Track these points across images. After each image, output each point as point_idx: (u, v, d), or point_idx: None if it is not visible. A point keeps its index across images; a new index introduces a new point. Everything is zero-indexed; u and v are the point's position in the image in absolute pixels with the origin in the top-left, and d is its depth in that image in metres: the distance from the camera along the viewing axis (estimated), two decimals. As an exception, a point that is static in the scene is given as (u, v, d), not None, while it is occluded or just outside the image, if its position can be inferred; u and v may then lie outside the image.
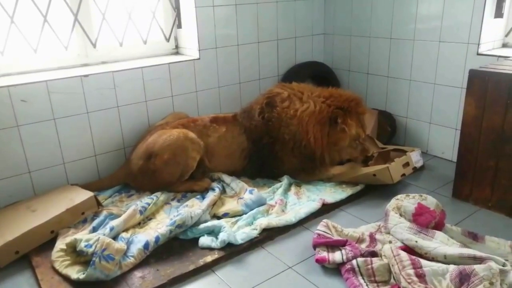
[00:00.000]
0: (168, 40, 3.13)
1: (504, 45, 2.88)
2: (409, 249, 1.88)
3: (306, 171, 2.66)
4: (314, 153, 2.58)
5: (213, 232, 2.14)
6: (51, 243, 2.08)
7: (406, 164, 2.63)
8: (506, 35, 2.86)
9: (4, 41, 2.50)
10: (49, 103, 2.46)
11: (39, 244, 2.09)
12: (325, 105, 2.59)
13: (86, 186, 2.47)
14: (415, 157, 2.74)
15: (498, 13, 2.70)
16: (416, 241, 1.87)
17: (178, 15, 3.07)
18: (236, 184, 2.54)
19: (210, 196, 2.39)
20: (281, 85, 2.81)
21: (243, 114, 2.73)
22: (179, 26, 3.10)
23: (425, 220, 2.01)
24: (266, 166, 2.68)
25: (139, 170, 2.48)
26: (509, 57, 2.55)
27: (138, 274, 1.89)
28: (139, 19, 2.97)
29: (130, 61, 2.93)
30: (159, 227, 2.14)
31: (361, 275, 1.80)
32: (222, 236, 2.04)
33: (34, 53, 2.61)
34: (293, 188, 2.58)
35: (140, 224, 2.24)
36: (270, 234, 2.16)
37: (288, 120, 2.59)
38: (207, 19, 2.97)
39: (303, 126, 2.56)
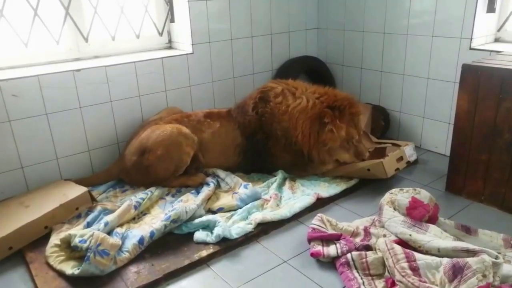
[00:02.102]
0: (161, 34, 3.11)
1: (497, 40, 2.90)
2: (403, 243, 1.89)
3: (298, 167, 2.66)
4: (305, 150, 2.58)
5: (208, 227, 2.14)
6: (45, 238, 2.07)
7: (400, 159, 2.65)
8: (499, 30, 2.88)
9: (-5, 35, 2.47)
10: (41, 98, 2.43)
11: (33, 240, 2.08)
12: (319, 101, 2.56)
13: (79, 182, 2.45)
14: (408, 151, 2.76)
15: (491, 8, 2.71)
16: (410, 235, 1.89)
17: (171, 9, 3.05)
18: (231, 179, 2.54)
19: (205, 191, 2.39)
20: (276, 80, 2.80)
21: (237, 110, 2.72)
22: (172, 20, 3.08)
23: (418, 214, 2.03)
24: (260, 161, 2.68)
25: (132, 166, 2.46)
26: (501, 51, 2.57)
27: (133, 269, 1.89)
28: (132, 13, 2.94)
29: (123, 56, 2.90)
30: (154, 222, 2.13)
31: (356, 268, 1.82)
32: (217, 230, 2.04)
33: (25, 47, 2.58)
34: (287, 183, 2.58)
35: (134, 219, 2.23)
36: (265, 229, 2.16)
37: (280, 116, 2.58)
38: (200, 13, 2.95)
39: (293, 122, 2.55)
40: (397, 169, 2.61)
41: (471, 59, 2.41)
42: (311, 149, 2.55)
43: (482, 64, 2.25)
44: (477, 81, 2.24)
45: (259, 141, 2.63)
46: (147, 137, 2.46)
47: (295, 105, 2.57)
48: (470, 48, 2.71)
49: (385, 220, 2.03)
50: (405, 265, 1.71)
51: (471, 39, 2.70)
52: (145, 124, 2.65)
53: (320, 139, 2.53)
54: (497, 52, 2.58)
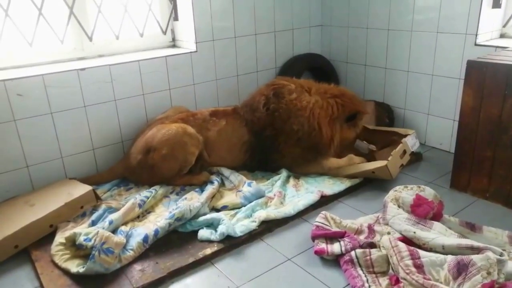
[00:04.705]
0: (164, 32, 3.11)
1: (502, 36, 2.88)
2: (407, 240, 1.89)
3: (306, 162, 2.66)
4: (322, 143, 2.61)
5: (212, 225, 2.14)
6: (50, 237, 2.08)
7: (403, 153, 2.62)
8: (504, 26, 2.85)
9: (-1, 35, 2.49)
10: (46, 97, 2.45)
11: (38, 238, 2.10)
12: (334, 101, 2.62)
13: (84, 180, 2.47)
14: (411, 141, 2.70)
15: (496, 3, 2.69)
16: (414, 232, 1.88)
17: (174, 8, 3.05)
18: (235, 177, 2.54)
19: (209, 189, 2.40)
20: (285, 78, 2.79)
21: (245, 108, 2.71)
22: (176, 18, 3.08)
23: (423, 211, 2.02)
24: (266, 159, 2.68)
25: (137, 164, 2.47)
26: (507, 47, 2.54)
27: (137, 267, 1.90)
28: (135, 11, 2.95)
29: (127, 54, 2.91)
30: (158, 220, 2.14)
31: (360, 266, 1.82)
32: (221, 228, 2.04)
33: (30, 47, 2.60)
34: (291, 181, 2.58)
35: (139, 218, 2.24)
36: (269, 226, 2.16)
37: (297, 111, 2.58)
38: (203, 11, 2.95)
39: (314, 117, 2.58)
40: (402, 165, 2.60)
41: (476, 55, 2.39)
42: (331, 144, 2.65)
43: (488, 60, 2.23)
44: (482, 78, 2.22)
45: (267, 138, 2.63)
46: (152, 136, 2.46)
47: (314, 101, 2.61)
48: (475, 44, 2.69)
49: (389, 218, 2.02)
50: (409, 262, 1.71)
51: (476, 35, 2.67)
52: (151, 123, 2.66)
53: (343, 136, 2.69)
54: (503, 48, 2.55)
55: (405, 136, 2.71)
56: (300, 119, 2.58)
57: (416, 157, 2.85)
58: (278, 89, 2.66)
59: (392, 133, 2.87)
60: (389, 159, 2.49)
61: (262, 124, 2.62)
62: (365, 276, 1.77)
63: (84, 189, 2.30)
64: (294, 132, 2.59)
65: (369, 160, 2.68)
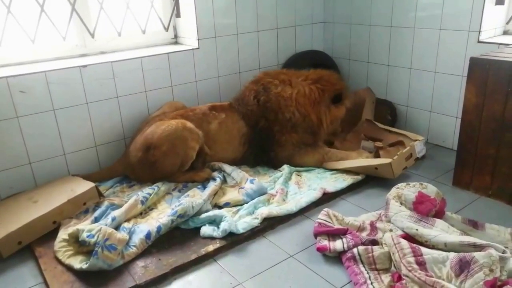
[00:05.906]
0: (167, 29, 3.11)
1: (505, 33, 2.86)
2: (410, 237, 1.89)
3: (309, 146, 2.74)
4: (315, 126, 2.74)
5: (215, 222, 2.15)
6: (53, 233, 2.09)
7: (409, 156, 2.62)
8: (507, 23, 2.84)
9: (1, 32, 2.48)
10: (48, 94, 2.45)
11: (42, 235, 2.10)
12: (314, 87, 2.75)
13: (85, 177, 2.46)
14: (418, 147, 2.72)
15: (499, 0, 2.68)
16: (417, 229, 1.88)
17: (176, 4, 3.04)
18: (237, 173, 2.54)
19: (211, 186, 2.40)
20: (267, 73, 2.88)
21: (237, 102, 2.80)
22: (178, 15, 3.08)
23: (425, 209, 2.02)
24: (264, 150, 2.73)
25: (138, 162, 2.47)
26: (510, 44, 2.53)
27: (140, 263, 1.91)
28: (138, 8, 2.94)
29: (129, 51, 2.91)
30: (161, 217, 2.15)
31: (362, 263, 1.82)
32: (224, 225, 2.05)
33: (32, 44, 2.60)
34: (293, 177, 2.58)
35: (141, 214, 2.25)
36: (271, 223, 2.17)
37: (284, 101, 2.70)
38: (206, 8, 2.94)
39: (301, 106, 2.70)
40: (405, 167, 2.59)
41: (479, 52, 2.38)
42: (322, 127, 2.77)
43: (491, 57, 2.22)
44: (485, 75, 2.22)
45: (263, 129, 2.71)
46: (152, 133, 2.46)
47: (296, 92, 2.72)
48: (478, 41, 2.68)
49: (392, 215, 2.02)
50: (412, 259, 1.71)
51: (479, 32, 2.66)
52: (149, 119, 2.66)
53: (332, 118, 2.82)
54: (506, 45, 2.55)
55: (414, 141, 2.72)
56: (290, 108, 2.70)
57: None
58: (266, 84, 2.77)
59: (401, 135, 2.87)
60: (394, 158, 2.49)
61: (255, 116, 2.72)
62: (367, 273, 1.77)
63: (86, 185, 2.30)
64: (287, 120, 2.70)
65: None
